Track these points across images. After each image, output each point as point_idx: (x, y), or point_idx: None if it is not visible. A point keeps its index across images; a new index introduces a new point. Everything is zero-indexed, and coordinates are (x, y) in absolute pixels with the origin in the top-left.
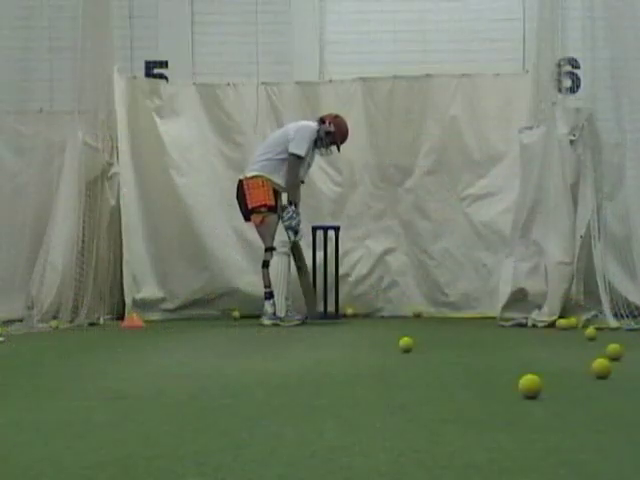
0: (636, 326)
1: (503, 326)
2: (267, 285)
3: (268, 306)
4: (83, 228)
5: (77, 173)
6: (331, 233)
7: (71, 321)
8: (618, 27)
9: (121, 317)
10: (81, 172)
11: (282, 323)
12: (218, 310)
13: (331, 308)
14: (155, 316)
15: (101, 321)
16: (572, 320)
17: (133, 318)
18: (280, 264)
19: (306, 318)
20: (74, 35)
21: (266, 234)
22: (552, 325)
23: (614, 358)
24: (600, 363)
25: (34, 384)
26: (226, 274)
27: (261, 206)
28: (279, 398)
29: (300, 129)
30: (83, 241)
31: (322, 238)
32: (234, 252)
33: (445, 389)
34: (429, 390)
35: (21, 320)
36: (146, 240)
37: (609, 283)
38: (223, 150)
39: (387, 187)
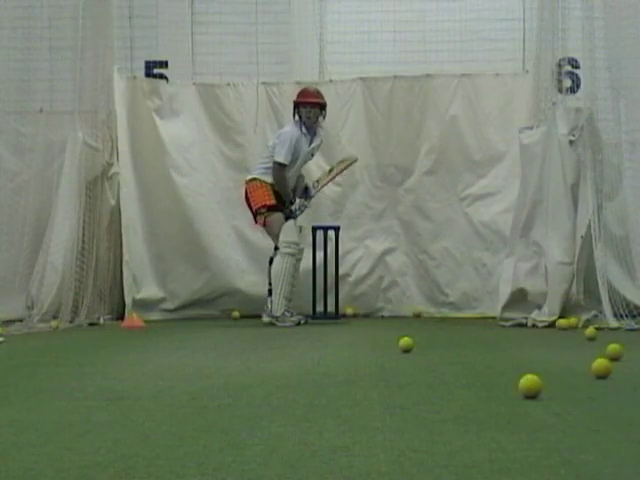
0: (636, 326)
1: (503, 326)
2: (270, 282)
3: (268, 303)
4: (83, 228)
5: (77, 173)
6: (331, 233)
7: (71, 321)
8: (618, 27)
9: (121, 317)
10: (81, 172)
11: (277, 322)
12: (218, 310)
13: (331, 308)
14: (155, 316)
15: (101, 321)
16: (572, 320)
17: (133, 318)
18: (280, 263)
19: (306, 320)
20: (74, 35)
21: (271, 233)
22: (552, 325)
23: (614, 358)
24: (600, 363)
25: (34, 384)
26: (226, 274)
27: (261, 207)
28: (279, 398)
29: (279, 135)
30: (83, 241)
31: (322, 238)
32: (234, 252)
33: (445, 389)
34: (429, 390)
35: (21, 320)
36: (146, 240)
37: (609, 283)
38: (223, 150)
39: (387, 187)
